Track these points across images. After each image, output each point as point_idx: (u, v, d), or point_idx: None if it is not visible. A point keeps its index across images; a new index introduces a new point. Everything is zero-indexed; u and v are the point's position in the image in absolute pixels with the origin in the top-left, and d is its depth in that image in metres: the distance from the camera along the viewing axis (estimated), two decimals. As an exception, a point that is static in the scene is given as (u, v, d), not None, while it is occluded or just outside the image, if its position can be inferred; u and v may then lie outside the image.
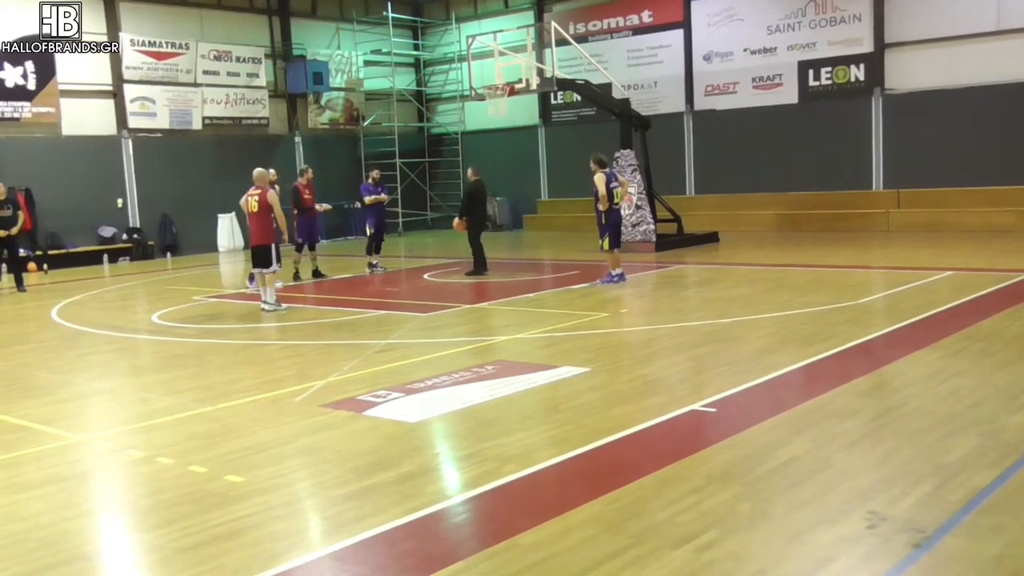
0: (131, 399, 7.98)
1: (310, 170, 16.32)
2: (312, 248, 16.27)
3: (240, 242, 23.19)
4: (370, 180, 17.00)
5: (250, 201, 12.23)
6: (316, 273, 16.27)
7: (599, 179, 13.30)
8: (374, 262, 16.92)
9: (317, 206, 16.01)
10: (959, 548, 4.04)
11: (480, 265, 15.44)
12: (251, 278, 14.73)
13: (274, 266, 12.40)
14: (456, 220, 15.58)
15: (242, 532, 4.60)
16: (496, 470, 5.36)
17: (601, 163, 13.59)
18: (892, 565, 3.90)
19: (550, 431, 6.29)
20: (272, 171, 13.94)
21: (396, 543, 4.43)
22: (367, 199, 16.79)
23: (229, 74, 23.92)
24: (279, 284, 14.27)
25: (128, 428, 6.90)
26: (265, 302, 12.34)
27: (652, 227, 18.32)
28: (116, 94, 22.06)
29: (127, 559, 4.62)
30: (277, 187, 13.75)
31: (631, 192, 18.17)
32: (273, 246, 12.32)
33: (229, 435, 6.47)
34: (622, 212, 18.27)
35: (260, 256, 12.36)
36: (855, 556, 4.00)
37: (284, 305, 12.46)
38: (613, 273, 13.43)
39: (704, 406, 6.63)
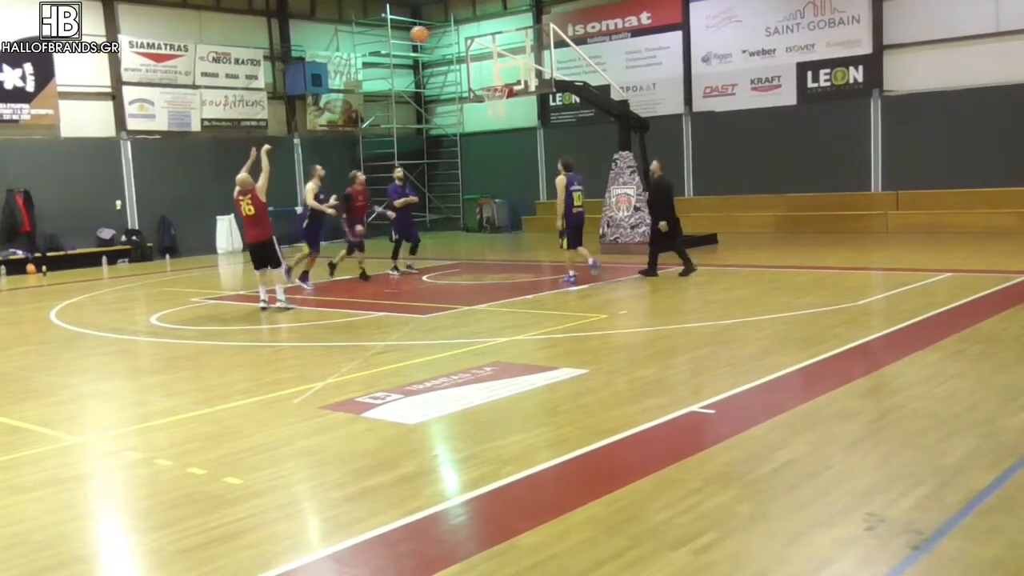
0: (130, 401, 7.99)
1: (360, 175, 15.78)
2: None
3: (239, 244, 23.17)
4: (396, 180, 16.44)
5: (243, 206, 12.12)
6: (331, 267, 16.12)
7: (559, 181, 13.62)
8: (401, 267, 16.35)
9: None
10: (958, 550, 4.04)
11: (686, 262, 14.16)
12: (304, 276, 14.54)
13: (283, 264, 12.37)
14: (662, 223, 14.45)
15: (241, 534, 4.60)
16: (495, 472, 5.36)
17: (567, 167, 13.82)
18: (891, 567, 3.91)
19: (549, 433, 6.29)
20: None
21: (395, 545, 4.43)
22: (398, 202, 16.17)
23: (228, 76, 23.93)
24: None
25: (127, 430, 6.90)
26: (278, 299, 12.31)
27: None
28: (115, 96, 22.06)
29: (126, 561, 4.62)
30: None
31: (629, 194, 18.22)
32: (274, 239, 12.22)
33: (228, 437, 6.46)
34: (620, 214, 18.44)
35: (266, 252, 12.16)
36: (854, 558, 4.00)
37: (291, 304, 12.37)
38: (571, 274, 13.67)
39: (703, 408, 6.63)
